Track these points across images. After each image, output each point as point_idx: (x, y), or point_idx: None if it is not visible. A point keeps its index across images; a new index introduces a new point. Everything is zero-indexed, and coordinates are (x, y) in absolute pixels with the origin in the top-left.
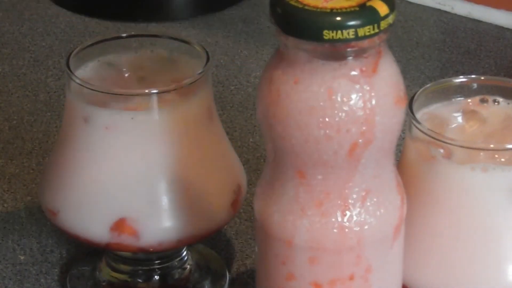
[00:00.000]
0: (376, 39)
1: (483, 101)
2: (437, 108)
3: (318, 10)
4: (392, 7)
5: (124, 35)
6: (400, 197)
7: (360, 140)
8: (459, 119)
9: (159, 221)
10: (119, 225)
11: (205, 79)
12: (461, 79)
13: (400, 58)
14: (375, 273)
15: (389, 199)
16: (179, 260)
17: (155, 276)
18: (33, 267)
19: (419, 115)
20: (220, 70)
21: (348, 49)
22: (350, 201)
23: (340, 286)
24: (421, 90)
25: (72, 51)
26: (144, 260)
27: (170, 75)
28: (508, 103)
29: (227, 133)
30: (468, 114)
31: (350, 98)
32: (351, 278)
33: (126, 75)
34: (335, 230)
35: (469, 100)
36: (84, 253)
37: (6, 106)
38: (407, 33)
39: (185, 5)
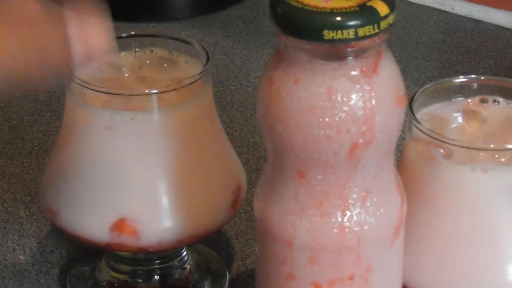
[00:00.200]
0: (376, 39)
1: (483, 101)
2: (437, 108)
3: (318, 10)
4: (392, 7)
5: (124, 35)
6: (400, 197)
7: (360, 140)
8: (459, 119)
9: (159, 221)
10: (119, 225)
11: (205, 79)
12: (461, 79)
13: (400, 58)
14: (375, 273)
15: (389, 199)
16: (179, 260)
17: (155, 276)
18: (33, 267)
19: (419, 115)
20: (220, 70)
21: (348, 49)
22: (350, 201)
23: (340, 286)
24: (421, 90)
25: None
26: (144, 260)
27: (170, 75)
28: (508, 103)
29: (227, 133)
30: (468, 114)
31: (350, 98)
32: (351, 278)
33: (126, 75)
34: (335, 230)
35: (469, 100)
36: (84, 253)
37: (6, 106)
38: (407, 33)
39: (185, 5)
